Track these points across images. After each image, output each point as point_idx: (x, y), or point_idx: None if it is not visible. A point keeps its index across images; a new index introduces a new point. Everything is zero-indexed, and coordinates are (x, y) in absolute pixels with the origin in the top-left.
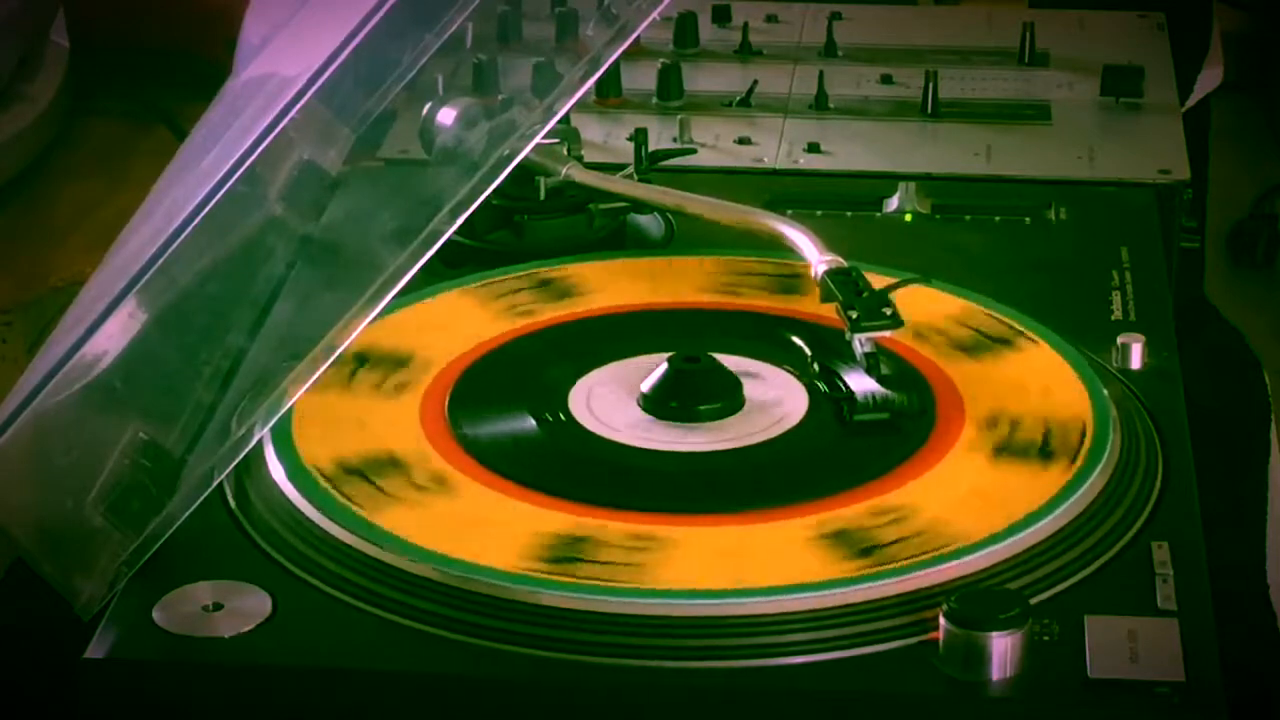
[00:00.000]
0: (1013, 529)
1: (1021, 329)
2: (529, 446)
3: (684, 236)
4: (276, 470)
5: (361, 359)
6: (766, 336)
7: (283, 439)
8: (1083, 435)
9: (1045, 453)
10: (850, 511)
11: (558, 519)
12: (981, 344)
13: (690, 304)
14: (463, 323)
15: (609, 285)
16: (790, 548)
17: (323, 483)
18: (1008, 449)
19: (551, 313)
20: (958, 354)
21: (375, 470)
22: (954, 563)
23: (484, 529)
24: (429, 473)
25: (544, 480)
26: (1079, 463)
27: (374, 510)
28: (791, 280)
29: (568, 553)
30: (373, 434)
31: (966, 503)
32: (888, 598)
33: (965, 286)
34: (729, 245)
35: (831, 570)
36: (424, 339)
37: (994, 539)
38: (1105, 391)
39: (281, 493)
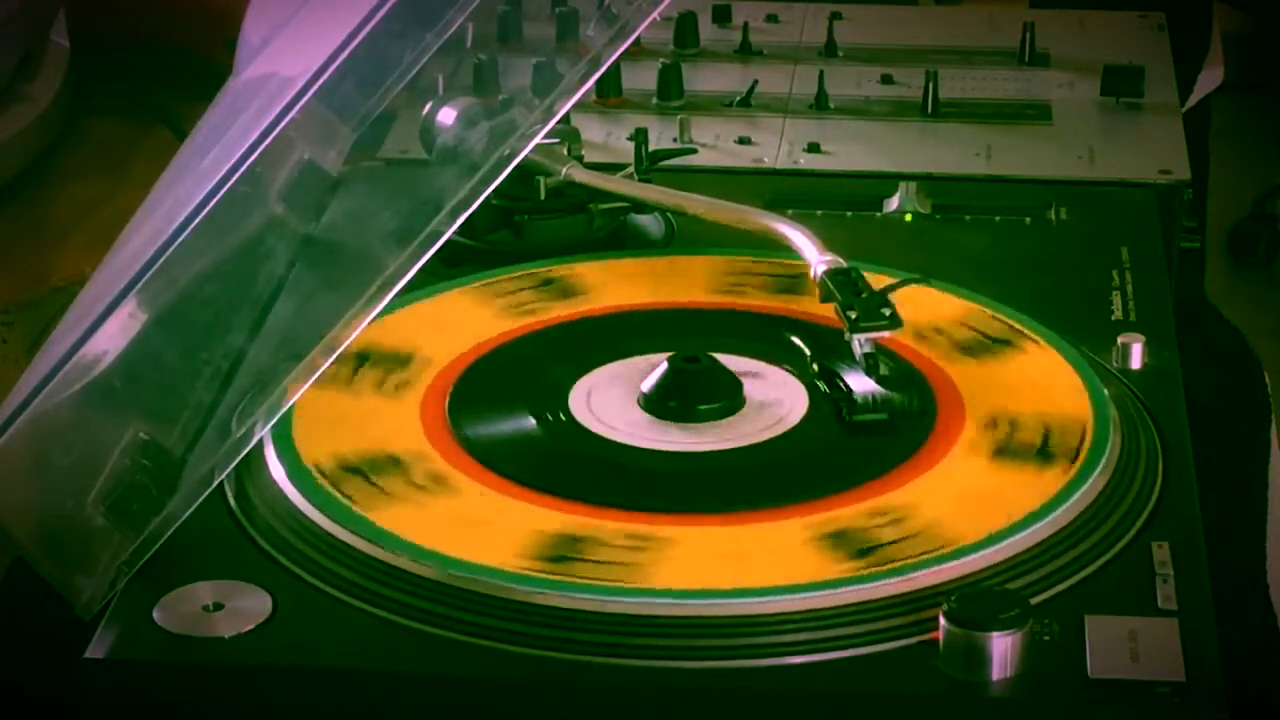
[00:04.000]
0: (1013, 529)
1: (1022, 329)
2: (528, 446)
3: (684, 236)
4: (277, 470)
5: (363, 358)
6: (766, 336)
7: (283, 438)
8: (1082, 437)
9: (1044, 454)
10: (849, 512)
11: (556, 518)
12: (982, 344)
13: (690, 304)
14: (463, 322)
15: (609, 285)
16: (789, 548)
17: (321, 481)
18: (1007, 450)
19: (552, 312)
20: (958, 354)
21: (375, 469)
22: (954, 563)
23: (484, 528)
24: (428, 472)
25: (542, 479)
26: (1078, 463)
27: (373, 509)
28: (791, 280)
29: (566, 552)
30: (373, 433)
31: (965, 504)
32: (888, 598)
33: (965, 286)
34: (729, 245)
35: (830, 570)
36: (425, 338)
37: (994, 539)
38: (1105, 391)
39: (281, 492)
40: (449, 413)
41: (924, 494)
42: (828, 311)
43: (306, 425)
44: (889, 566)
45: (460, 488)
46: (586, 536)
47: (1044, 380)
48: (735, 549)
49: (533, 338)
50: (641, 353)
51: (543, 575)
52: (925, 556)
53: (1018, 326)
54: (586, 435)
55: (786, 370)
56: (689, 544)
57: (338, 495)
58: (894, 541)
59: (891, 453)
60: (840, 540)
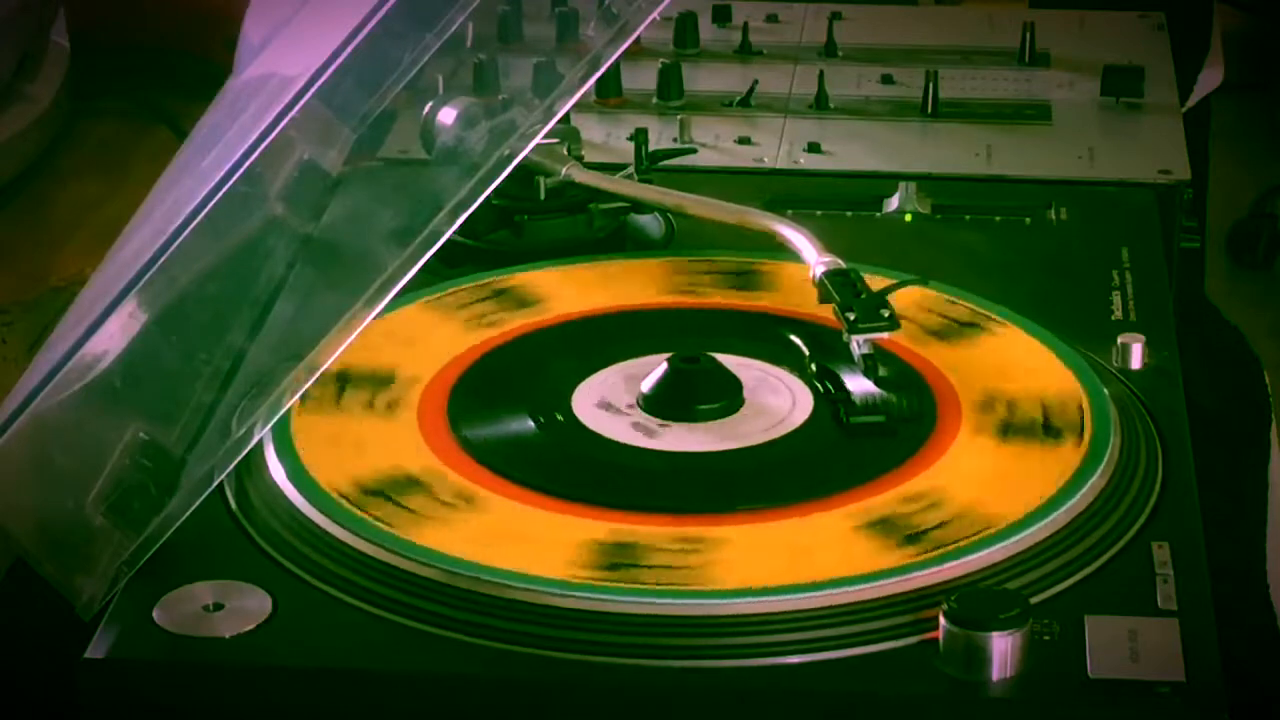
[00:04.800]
0: (1013, 529)
1: (1021, 329)
2: (543, 453)
3: (684, 236)
4: (278, 471)
5: (343, 378)
6: (766, 336)
7: (291, 461)
8: (1081, 438)
9: (1050, 430)
10: (850, 510)
11: (555, 518)
12: (982, 344)
13: (690, 304)
14: (431, 337)
15: (563, 293)
16: (789, 547)
17: (347, 505)
18: (1006, 452)
19: (514, 321)
20: (955, 354)
21: (397, 490)
22: (954, 563)
23: (485, 529)
24: (450, 488)
25: (541, 479)
26: (1087, 436)
27: (410, 530)
28: (791, 280)
29: (568, 554)
30: (382, 454)
31: (964, 504)
32: (888, 597)
33: (965, 286)
34: (729, 245)
35: (883, 560)
36: (399, 356)
37: (994, 539)
38: (1105, 391)
39: (282, 493)
40: (455, 429)
41: (949, 479)
42: (828, 312)
43: (313, 448)
44: (939, 551)
45: (488, 502)
46: (589, 538)
47: (1044, 381)
48: (735, 549)
49: (518, 344)
50: (641, 354)
51: (542, 575)
52: (976, 538)
53: (1016, 327)
54: (587, 434)
55: (786, 370)
56: (689, 544)
57: (370, 519)
58: (939, 525)
59: (899, 448)
60: (839, 540)
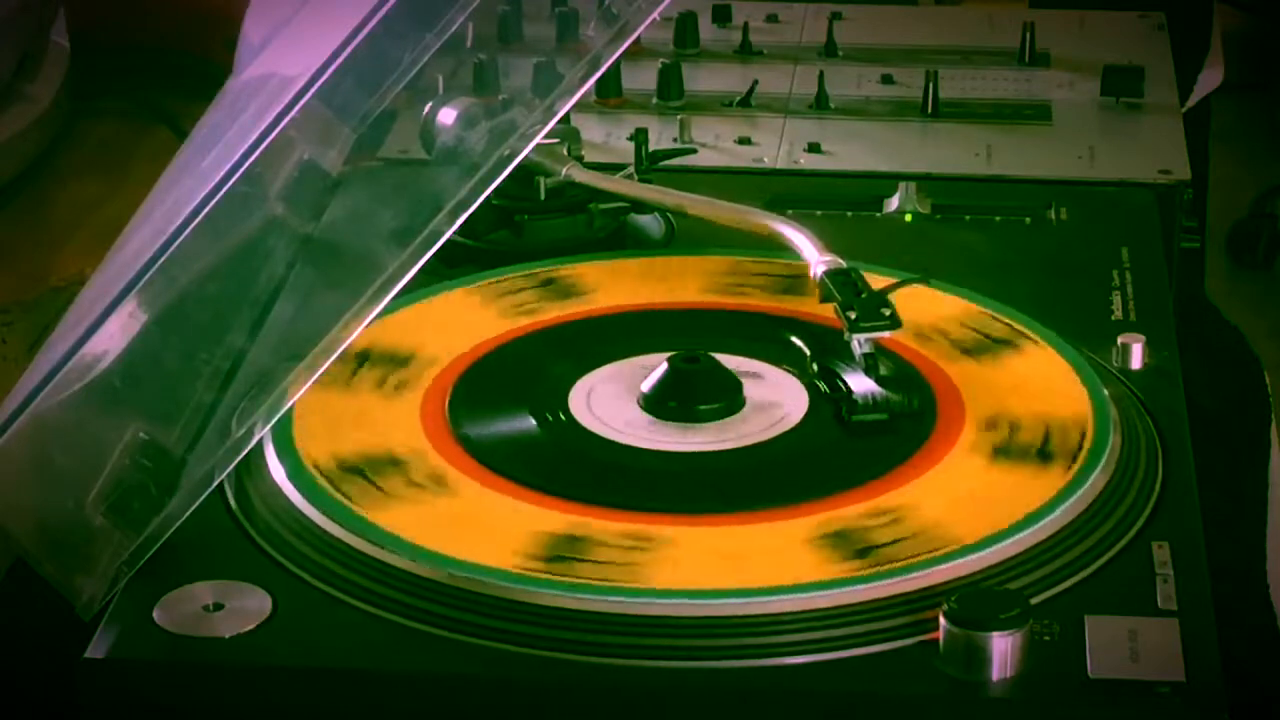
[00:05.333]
0: (1013, 529)
1: (1021, 329)
2: (528, 446)
3: (684, 236)
4: (276, 469)
5: (363, 357)
6: (766, 336)
7: (283, 438)
8: (1082, 437)
9: (1044, 454)
10: (849, 512)
11: (555, 518)
12: (982, 345)
13: (690, 304)
14: (463, 322)
15: (610, 285)
16: (789, 548)
17: (320, 480)
18: (1007, 451)
19: (552, 312)
20: (958, 354)
21: (374, 468)
22: (954, 563)
23: (483, 528)
24: (427, 471)
25: (541, 479)
26: (1078, 464)
27: (372, 508)
28: (791, 280)
29: (565, 552)
30: (372, 432)
31: (965, 504)
32: (888, 598)
33: (965, 286)
34: (729, 245)
35: (830, 570)
36: (426, 338)
37: (994, 539)
38: (1105, 391)
39: (281, 493)
40: (449, 412)
41: (923, 494)
42: (828, 311)
43: (306, 425)
44: (888, 567)
45: (459, 487)
46: (584, 536)
47: (1044, 381)
48: (734, 549)
49: (532, 338)
50: (641, 353)
51: (541, 575)
52: (923, 557)
53: (1017, 327)
54: (586, 435)
55: (786, 370)
56: (688, 544)
57: (337, 495)
58: (893, 542)
59: (891, 453)
60: (840, 540)
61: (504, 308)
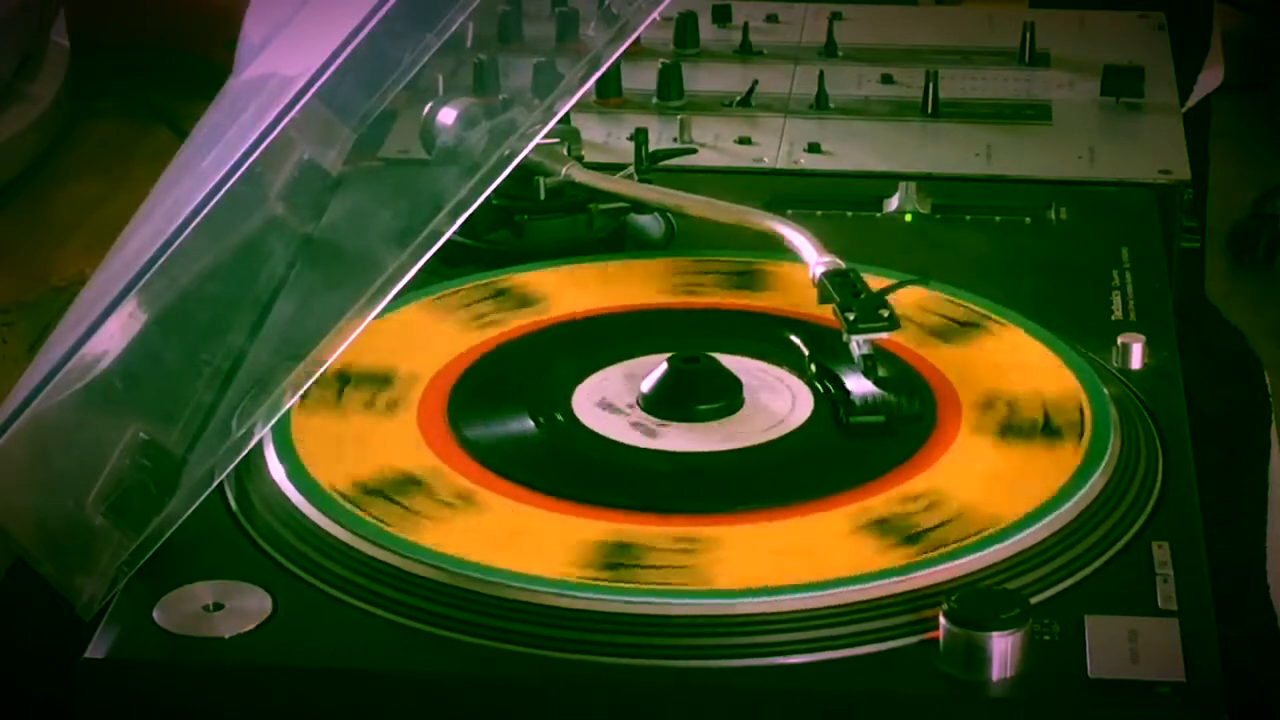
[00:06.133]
0: (1013, 529)
1: (1021, 330)
2: (543, 453)
3: (684, 236)
4: (282, 478)
5: (344, 378)
6: (766, 336)
7: (291, 461)
8: (1080, 437)
9: (1050, 430)
10: (884, 499)
11: (554, 518)
12: (982, 344)
13: (690, 304)
14: (431, 337)
15: (563, 292)
16: (788, 548)
17: (347, 505)
18: (1006, 451)
19: (513, 321)
20: (955, 354)
21: (396, 490)
22: (954, 563)
23: (486, 534)
24: (450, 488)
25: (541, 479)
26: (1087, 437)
27: (409, 529)
28: (791, 280)
29: (566, 554)
30: (382, 453)
31: (963, 504)
32: (888, 597)
33: (965, 286)
34: (729, 245)
35: (881, 560)
36: (399, 355)
37: (994, 539)
38: (1105, 391)
39: (282, 493)
40: (455, 428)
41: (951, 476)
42: (828, 312)
43: (313, 448)
44: (939, 552)
45: (487, 502)
46: (590, 539)
47: (1044, 381)
48: (735, 549)
49: (519, 345)
50: (640, 354)
51: (542, 575)
52: (975, 538)
53: (1015, 326)
54: (587, 435)
55: (786, 370)
56: (688, 544)
57: (368, 518)
58: (937, 526)
59: (906, 443)
60: (884, 529)
61: (464, 319)
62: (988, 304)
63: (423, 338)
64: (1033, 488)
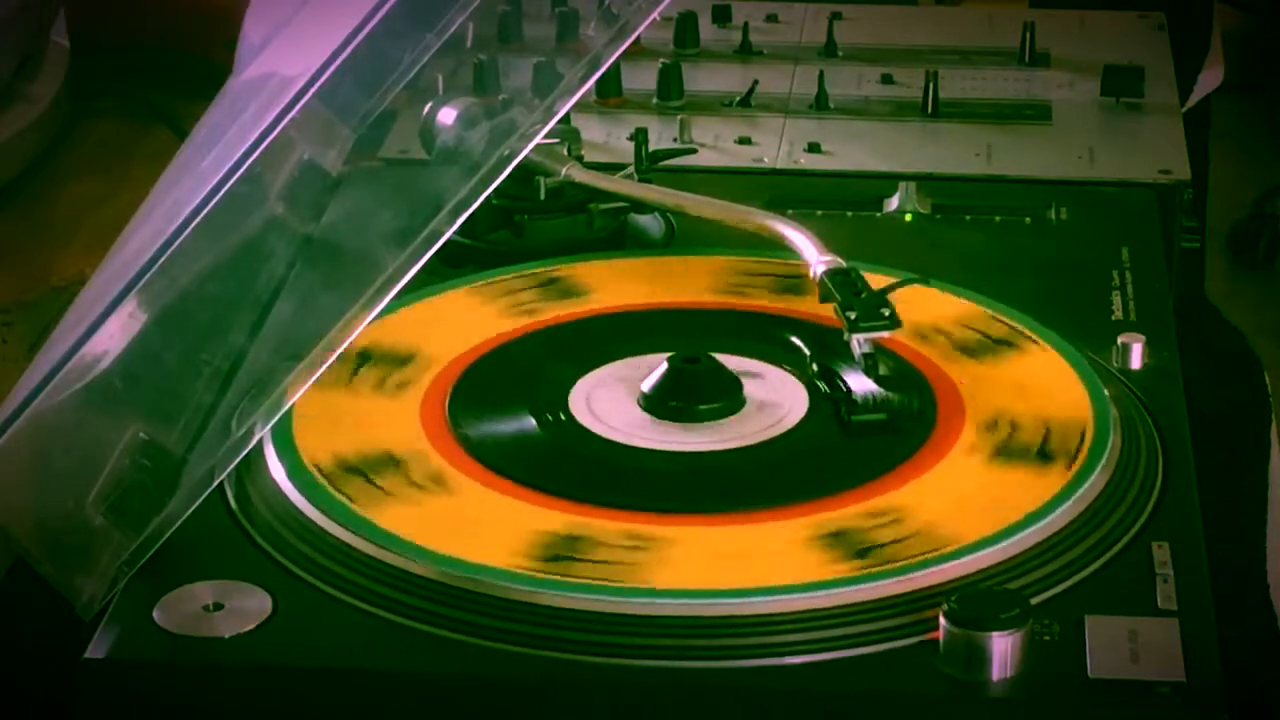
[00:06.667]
0: (1013, 529)
1: (1022, 329)
2: (528, 446)
3: (684, 236)
4: (277, 469)
5: (364, 357)
6: (766, 336)
7: (283, 438)
8: (1081, 438)
9: (1044, 455)
10: (848, 512)
11: (555, 518)
12: (982, 345)
13: (690, 304)
14: (464, 322)
15: (610, 285)
16: (788, 548)
17: (320, 479)
18: (1006, 451)
19: (552, 312)
20: (958, 355)
21: (374, 468)
22: (954, 563)
23: (483, 527)
24: (427, 471)
25: (541, 479)
26: (1077, 464)
27: (372, 508)
28: (792, 280)
29: (565, 551)
30: (372, 432)
31: (964, 504)
32: (888, 598)
33: (965, 286)
34: (729, 245)
35: (829, 571)
36: (426, 338)
37: (994, 539)
38: (1105, 391)
39: (281, 492)
40: (449, 412)
41: (923, 495)
42: (828, 311)
43: (307, 425)
44: (887, 567)
45: (459, 487)
46: (583, 536)
47: (1044, 381)
48: (734, 549)
49: (533, 337)
50: (641, 353)
51: (541, 575)
52: (923, 557)
53: (1018, 327)
54: (586, 435)
55: (786, 370)
56: (688, 544)
57: (337, 495)
58: (892, 542)
59: (891, 453)
60: (839, 540)
61: (504, 307)
62: (1028, 320)
63: (455, 322)
64: (1000, 512)
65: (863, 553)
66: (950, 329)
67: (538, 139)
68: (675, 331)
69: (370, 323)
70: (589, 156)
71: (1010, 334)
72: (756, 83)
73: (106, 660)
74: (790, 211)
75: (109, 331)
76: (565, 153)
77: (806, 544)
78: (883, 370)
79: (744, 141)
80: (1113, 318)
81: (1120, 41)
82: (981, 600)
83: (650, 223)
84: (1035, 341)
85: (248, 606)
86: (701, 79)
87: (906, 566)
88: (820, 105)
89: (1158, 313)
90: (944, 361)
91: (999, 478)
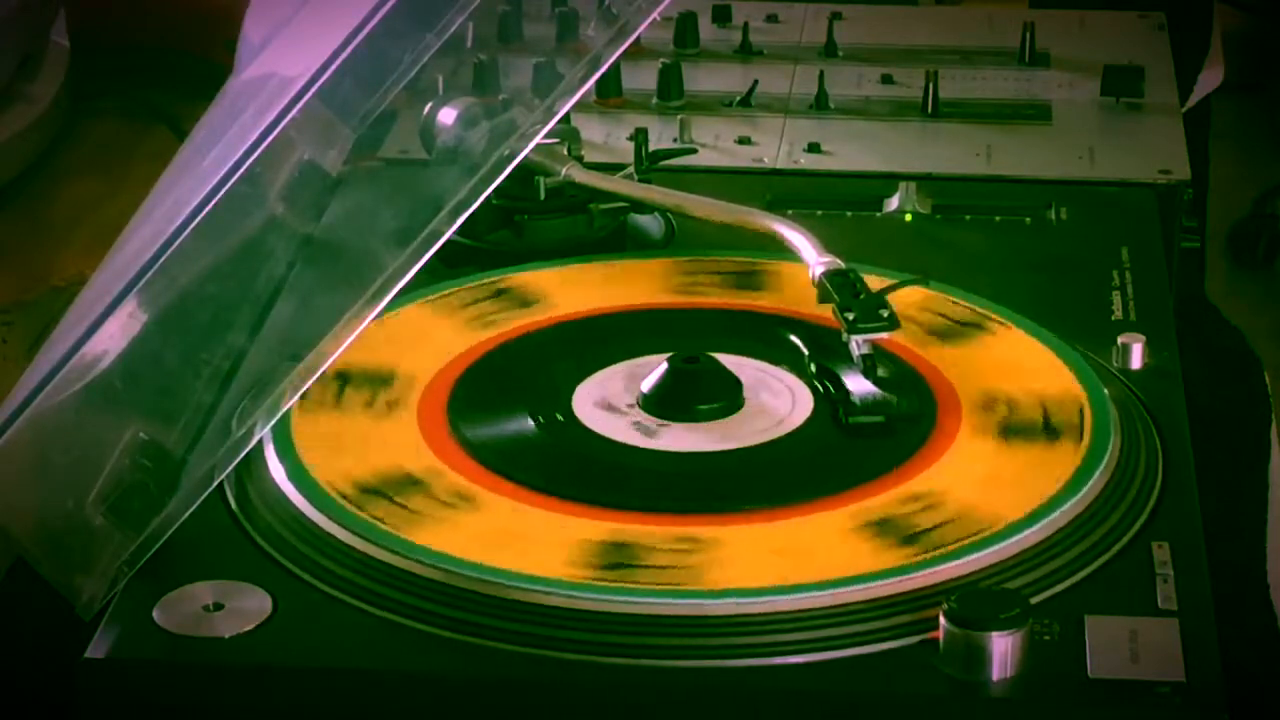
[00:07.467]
0: (1013, 529)
1: (1020, 329)
2: (543, 453)
3: (684, 236)
4: (297, 497)
5: (344, 378)
6: (767, 337)
7: (291, 461)
8: (1081, 430)
9: (1050, 430)
10: (888, 498)
11: (553, 518)
12: (982, 344)
13: (690, 304)
14: (431, 336)
15: (562, 291)
16: (788, 548)
17: (347, 505)
18: (1011, 430)
19: (514, 321)
20: (955, 354)
21: (396, 489)
22: (954, 563)
23: (527, 540)
24: (449, 488)
25: (541, 479)
26: (1086, 440)
27: (408, 529)
28: (791, 280)
29: (568, 554)
30: (381, 453)
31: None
32: (888, 597)
33: (965, 286)
34: (729, 245)
35: (879, 560)
36: (398, 355)
37: (994, 539)
38: (1105, 391)
39: (282, 493)
40: (455, 428)
41: (950, 479)
42: (827, 312)
43: (313, 448)
44: (938, 552)
45: (487, 502)
46: (592, 539)
47: (1044, 381)
48: (734, 549)
49: (518, 344)
50: (640, 354)
51: (543, 576)
52: (974, 539)
53: (1014, 326)
54: (594, 439)
55: (786, 370)
56: (687, 545)
57: (368, 518)
58: (936, 526)
59: (905, 443)
60: (885, 529)
61: (465, 319)
62: (988, 303)
63: (422, 338)
64: (1032, 487)
65: (910, 539)
66: (947, 329)
67: (538, 139)
68: (675, 331)
69: (369, 324)
70: (589, 156)
71: (1009, 333)
72: (756, 83)
73: (106, 660)
74: (790, 211)
75: (109, 331)
76: (565, 153)
77: (850, 534)
78: (881, 372)
79: (744, 141)
80: (1113, 318)
81: (1120, 41)
82: (981, 600)
83: (650, 223)
84: (1034, 341)
85: (248, 606)
86: (701, 79)
87: (958, 550)
88: (820, 105)
89: (1158, 313)
90: (941, 364)
91: (997, 479)
